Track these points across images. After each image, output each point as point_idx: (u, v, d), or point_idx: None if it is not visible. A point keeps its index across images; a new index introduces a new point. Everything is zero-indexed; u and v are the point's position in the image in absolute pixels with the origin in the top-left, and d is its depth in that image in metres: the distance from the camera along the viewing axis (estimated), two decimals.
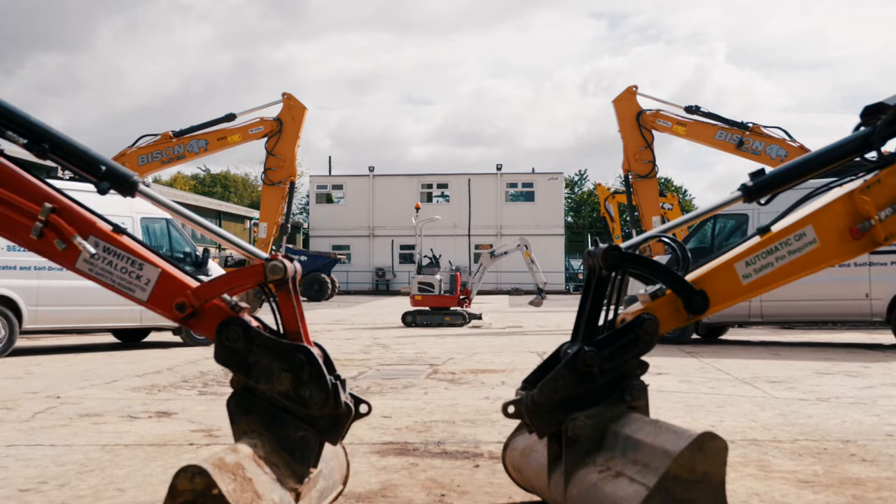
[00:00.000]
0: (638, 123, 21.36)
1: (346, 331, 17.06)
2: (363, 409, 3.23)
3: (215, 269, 14.93)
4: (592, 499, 2.90)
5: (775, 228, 3.47)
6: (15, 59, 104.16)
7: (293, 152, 20.75)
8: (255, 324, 3.17)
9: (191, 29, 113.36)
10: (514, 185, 51.01)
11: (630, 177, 21.78)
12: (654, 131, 21.46)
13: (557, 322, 19.12)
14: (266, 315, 3.50)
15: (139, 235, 13.14)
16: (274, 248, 20.01)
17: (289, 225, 22.10)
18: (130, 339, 14.33)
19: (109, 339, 14.31)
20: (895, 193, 3.38)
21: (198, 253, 14.08)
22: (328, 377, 3.08)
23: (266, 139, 20.73)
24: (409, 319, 18.99)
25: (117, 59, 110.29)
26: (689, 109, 20.84)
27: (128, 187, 3.28)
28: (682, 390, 7.53)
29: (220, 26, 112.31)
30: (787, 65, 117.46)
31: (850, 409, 6.39)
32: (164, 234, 13.66)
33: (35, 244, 3.16)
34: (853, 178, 3.47)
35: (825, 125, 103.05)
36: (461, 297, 19.37)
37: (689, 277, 3.40)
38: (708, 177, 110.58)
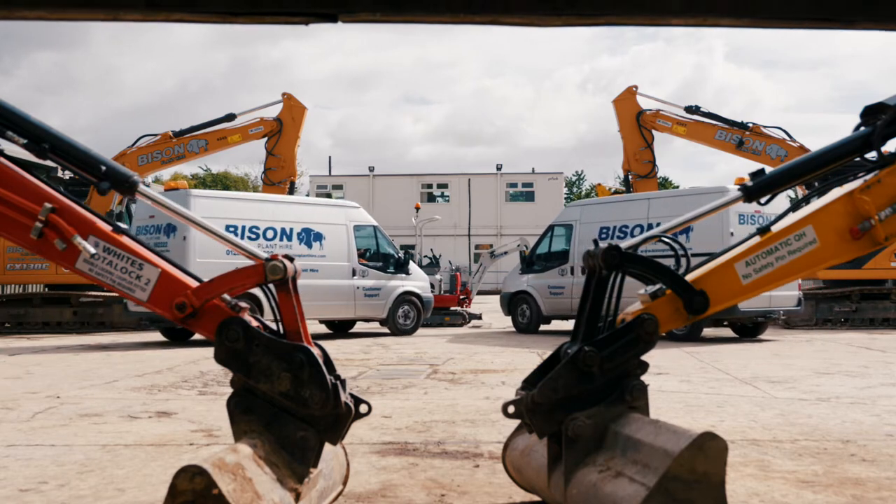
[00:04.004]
0: (638, 123, 21.35)
1: None
2: (363, 409, 3.23)
3: (416, 271, 15.70)
4: (592, 499, 2.89)
5: (775, 228, 3.47)
6: (11, 58, 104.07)
7: (293, 152, 20.73)
8: (255, 324, 3.17)
9: (187, 26, 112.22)
10: (514, 185, 51.03)
11: (630, 177, 21.78)
12: (654, 131, 21.46)
13: (557, 322, 19.08)
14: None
15: (352, 241, 15.01)
16: None
17: None
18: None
19: (113, 338, 14.29)
20: (895, 193, 3.38)
21: (399, 255, 15.83)
22: (328, 377, 3.09)
23: (266, 139, 20.72)
24: None
25: (113, 57, 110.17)
26: (688, 109, 20.83)
27: (128, 187, 3.29)
28: (682, 390, 7.53)
29: (216, 24, 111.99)
30: (787, 64, 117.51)
31: (849, 409, 6.39)
32: (372, 238, 15.74)
33: (35, 244, 3.16)
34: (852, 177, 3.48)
35: (825, 125, 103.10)
36: (461, 297, 19.38)
37: (689, 277, 3.40)
38: (708, 177, 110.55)
